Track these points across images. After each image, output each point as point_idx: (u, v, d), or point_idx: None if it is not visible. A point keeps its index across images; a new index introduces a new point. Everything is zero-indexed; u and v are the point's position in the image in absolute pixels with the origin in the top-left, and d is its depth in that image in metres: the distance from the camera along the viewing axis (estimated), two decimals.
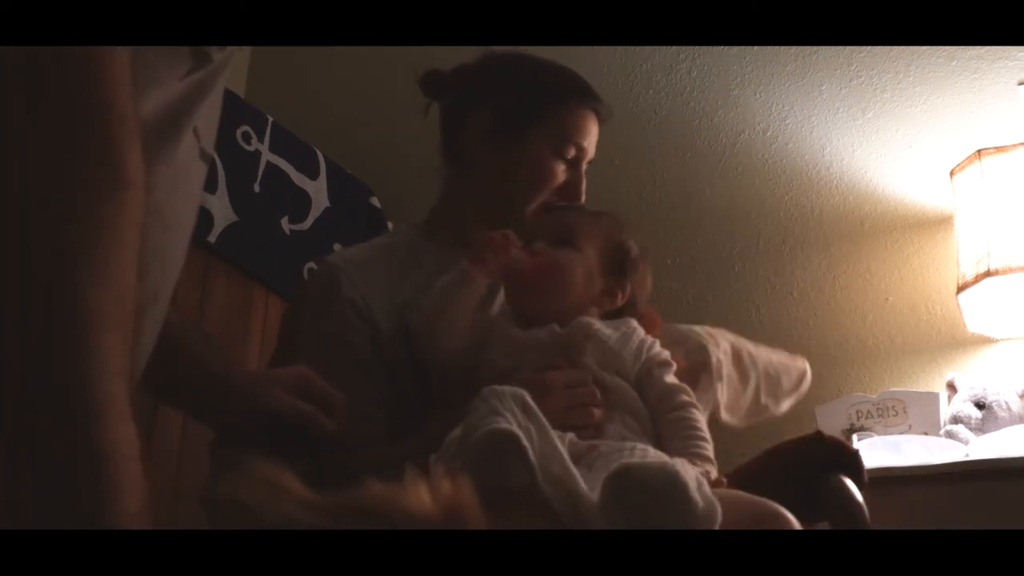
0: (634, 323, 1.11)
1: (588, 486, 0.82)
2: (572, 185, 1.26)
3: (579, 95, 1.28)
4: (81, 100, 0.48)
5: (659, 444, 1.00)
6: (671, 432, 1.02)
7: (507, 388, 0.88)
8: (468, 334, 1.11)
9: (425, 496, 0.38)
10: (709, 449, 1.01)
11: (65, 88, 0.48)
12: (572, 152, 1.24)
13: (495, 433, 0.81)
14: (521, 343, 1.09)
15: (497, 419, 0.83)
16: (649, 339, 1.10)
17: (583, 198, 1.28)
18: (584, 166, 1.28)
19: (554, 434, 0.85)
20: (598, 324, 1.09)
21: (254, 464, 0.41)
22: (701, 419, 1.04)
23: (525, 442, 0.80)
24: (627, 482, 0.78)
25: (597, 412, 1.01)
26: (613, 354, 1.07)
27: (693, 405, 1.05)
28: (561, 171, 1.25)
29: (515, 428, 0.82)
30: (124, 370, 0.47)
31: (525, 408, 0.86)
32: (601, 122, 1.30)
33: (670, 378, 1.07)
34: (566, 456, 0.84)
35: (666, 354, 1.10)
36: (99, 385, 0.45)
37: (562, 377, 1.03)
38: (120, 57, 0.50)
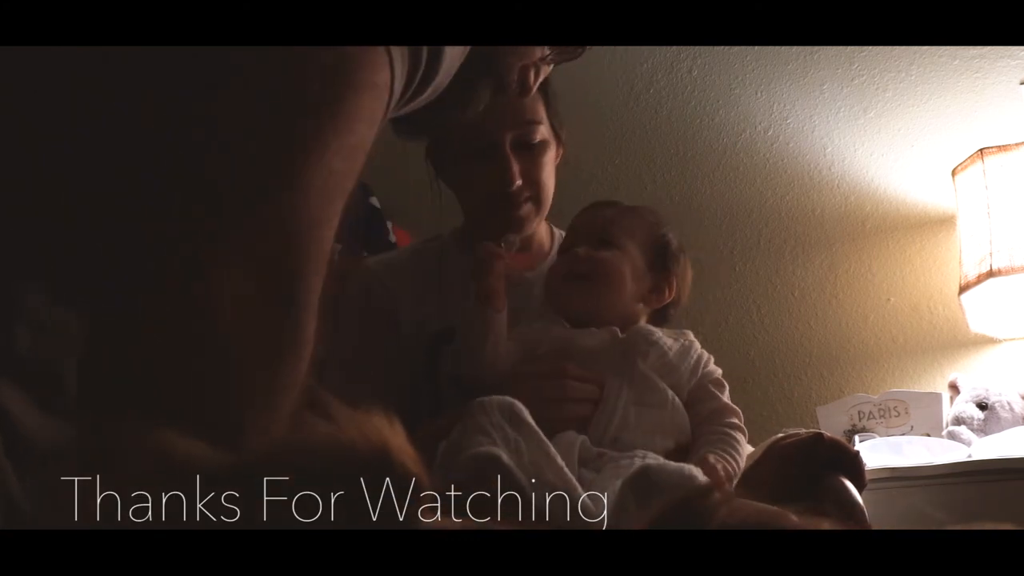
0: (691, 336, 1.11)
1: (594, 488, 0.83)
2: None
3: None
4: None
5: (691, 449, 1.02)
6: (709, 441, 1.02)
7: (495, 399, 0.88)
8: (514, 350, 1.11)
9: (354, 431, 0.39)
10: (736, 467, 1.01)
11: None
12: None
13: (478, 457, 0.82)
14: (572, 341, 1.08)
15: (481, 439, 0.83)
16: (705, 355, 1.10)
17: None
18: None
19: (547, 442, 0.85)
20: (660, 332, 1.08)
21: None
22: (743, 442, 1.05)
23: (508, 461, 0.81)
24: (645, 481, 0.79)
25: (577, 408, 1.01)
26: (671, 367, 1.06)
27: (740, 429, 1.06)
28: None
29: (497, 448, 0.82)
30: None
31: (513, 419, 0.86)
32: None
33: (726, 398, 1.08)
34: (560, 463, 0.84)
35: (719, 372, 1.10)
36: None
37: (535, 368, 1.05)
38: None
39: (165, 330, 0.50)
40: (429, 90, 0.72)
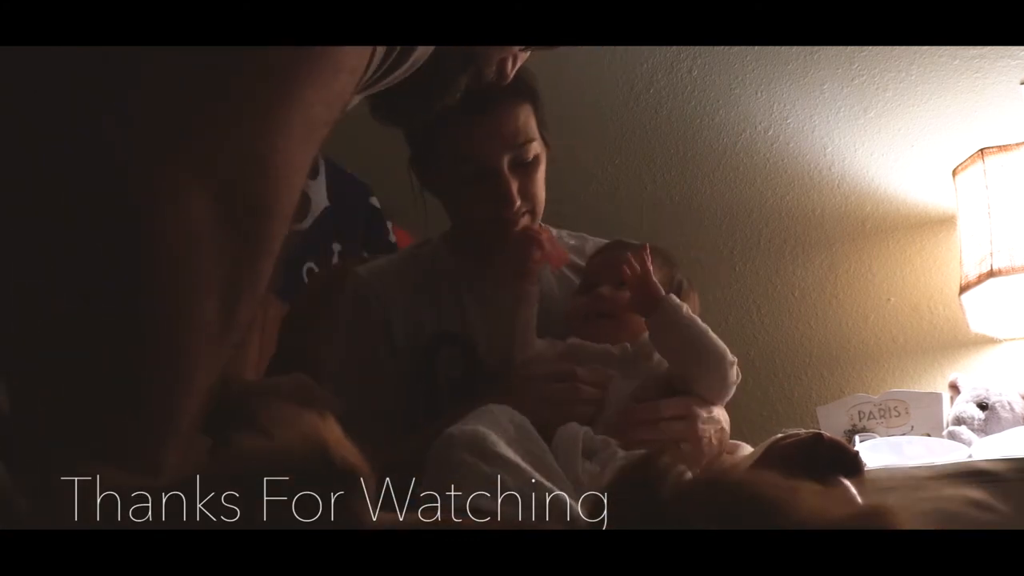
0: None
1: (597, 486, 0.83)
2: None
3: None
4: None
5: None
6: None
7: (465, 432, 0.88)
8: (542, 345, 1.15)
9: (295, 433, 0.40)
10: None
11: None
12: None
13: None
14: (584, 349, 1.13)
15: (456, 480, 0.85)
16: None
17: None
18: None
19: (528, 470, 0.85)
20: None
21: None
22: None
23: (486, 507, 0.82)
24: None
25: (583, 409, 1.05)
26: None
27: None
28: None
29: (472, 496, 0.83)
30: None
31: (484, 453, 0.86)
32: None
33: None
34: (548, 485, 0.84)
35: None
36: None
37: (544, 369, 1.09)
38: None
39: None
40: (409, 61, 0.72)
